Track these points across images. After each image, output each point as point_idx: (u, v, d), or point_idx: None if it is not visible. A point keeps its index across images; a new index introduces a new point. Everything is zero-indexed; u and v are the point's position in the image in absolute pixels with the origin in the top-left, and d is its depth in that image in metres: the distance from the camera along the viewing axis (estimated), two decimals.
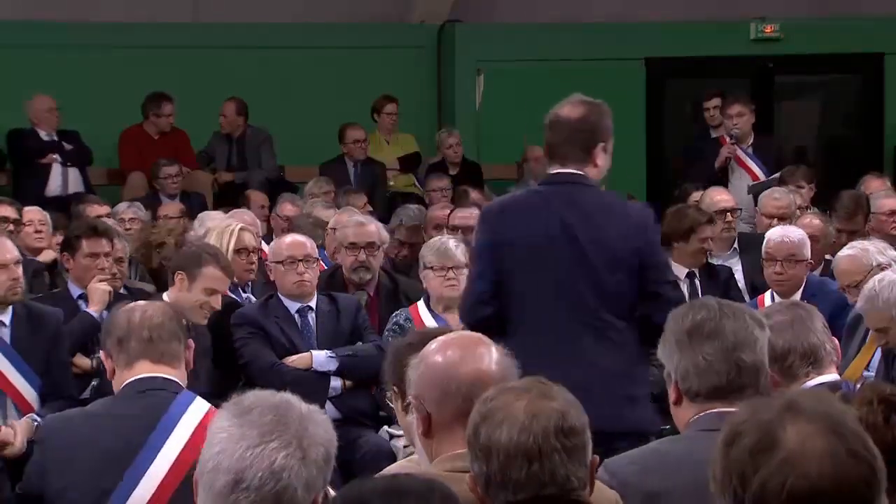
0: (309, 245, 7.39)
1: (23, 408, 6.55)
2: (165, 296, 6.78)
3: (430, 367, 3.45)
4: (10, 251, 6.76)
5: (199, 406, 4.41)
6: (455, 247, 7.43)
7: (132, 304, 4.55)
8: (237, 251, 7.83)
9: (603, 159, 5.53)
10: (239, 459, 2.73)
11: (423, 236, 9.42)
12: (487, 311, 5.45)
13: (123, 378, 4.33)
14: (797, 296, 7.36)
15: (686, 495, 3.55)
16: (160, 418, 4.32)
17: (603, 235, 5.44)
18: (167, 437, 4.32)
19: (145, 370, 4.31)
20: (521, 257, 5.44)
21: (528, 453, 2.98)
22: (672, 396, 3.82)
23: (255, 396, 2.84)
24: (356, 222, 8.13)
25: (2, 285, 6.63)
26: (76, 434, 4.27)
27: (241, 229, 7.97)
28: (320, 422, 2.84)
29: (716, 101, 12.68)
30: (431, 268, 7.39)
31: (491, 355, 3.47)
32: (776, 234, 7.73)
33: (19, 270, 6.71)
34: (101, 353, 4.50)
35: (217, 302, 6.86)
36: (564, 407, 3.05)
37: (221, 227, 8.02)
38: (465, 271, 7.28)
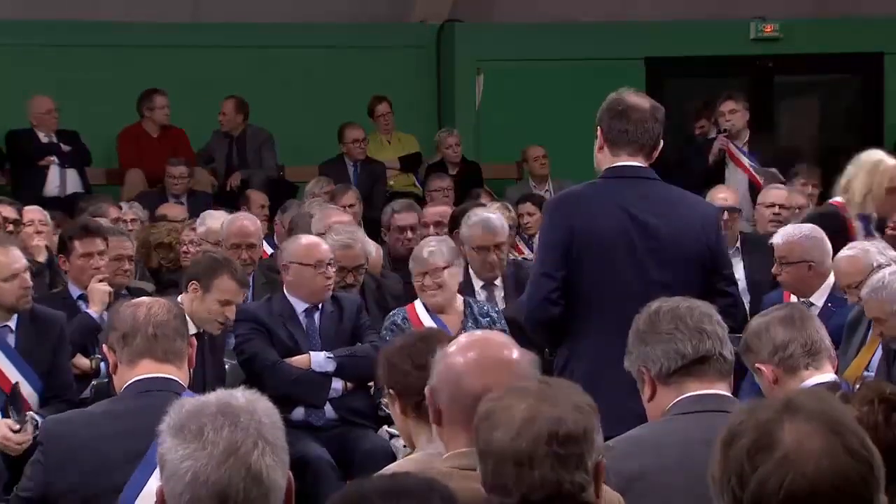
0: (327, 248, 7.29)
1: (24, 407, 6.55)
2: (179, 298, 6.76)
3: (448, 367, 3.42)
4: (20, 259, 6.75)
5: None
6: (434, 249, 7.35)
7: (137, 299, 4.53)
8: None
9: (654, 157, 5.35)
10: (216, 482, 2.68)
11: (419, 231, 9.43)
12: (556, 312, 5.23)
13: (126, 376, 4.32)
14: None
15: (671, 474, 3.63)
16: (161, 420, 4.28)
17: (676, 231, 5.26)
18: None
19: (148, 370, 4.29)
20: (593, 253, 5.22)
21: (517, 458, 2.93)
22: (647, 393, 3.88)
23: (191, 414, 2.76)
24: (342, 244, 7.71)
25: (13, 294, 6.63)
26: (78, 436, 4.25)
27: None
28: (262, 402, 2.78)
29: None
30: (413, 274, 7.42)
31: (510, 368, 3.38)
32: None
33: (28, 278, 6.72)
34: (104, 347, 4.48)
35: (231, 313, 6.83)
36: (564, 413, 2.97)
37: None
38: (446, 272, 7.26)
